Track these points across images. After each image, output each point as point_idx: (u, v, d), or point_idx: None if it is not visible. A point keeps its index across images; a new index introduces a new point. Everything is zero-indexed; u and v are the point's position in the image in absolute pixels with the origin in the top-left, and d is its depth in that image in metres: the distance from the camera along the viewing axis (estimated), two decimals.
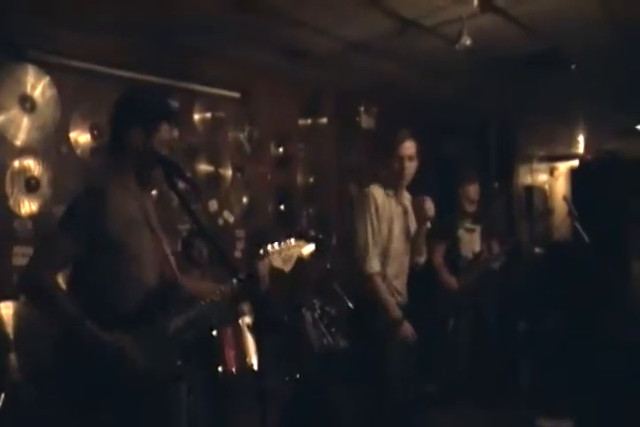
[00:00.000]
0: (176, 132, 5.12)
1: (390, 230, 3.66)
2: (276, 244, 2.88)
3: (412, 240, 3.81)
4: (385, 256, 3.65)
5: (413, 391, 4.20)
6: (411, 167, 3.71)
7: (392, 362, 3.63)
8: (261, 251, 2.87)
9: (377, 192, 3.69)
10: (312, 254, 3.06)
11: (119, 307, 2.45)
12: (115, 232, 2.46)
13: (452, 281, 5.20)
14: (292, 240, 2.94)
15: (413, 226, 3.82)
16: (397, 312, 3.56)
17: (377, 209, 3.63)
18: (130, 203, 2.57)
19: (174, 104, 2.79)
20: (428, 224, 3.70)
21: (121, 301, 2.47)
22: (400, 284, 3.73)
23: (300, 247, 2.97)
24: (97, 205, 2.44)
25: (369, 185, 3.77)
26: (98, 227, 2.43)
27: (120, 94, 2.71)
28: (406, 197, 3.86)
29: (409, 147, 3.69)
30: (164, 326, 2.54)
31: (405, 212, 3.80)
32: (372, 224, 3.62)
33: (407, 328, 3.57)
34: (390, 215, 3.68)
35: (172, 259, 2.75)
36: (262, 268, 2.83)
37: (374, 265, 3.58)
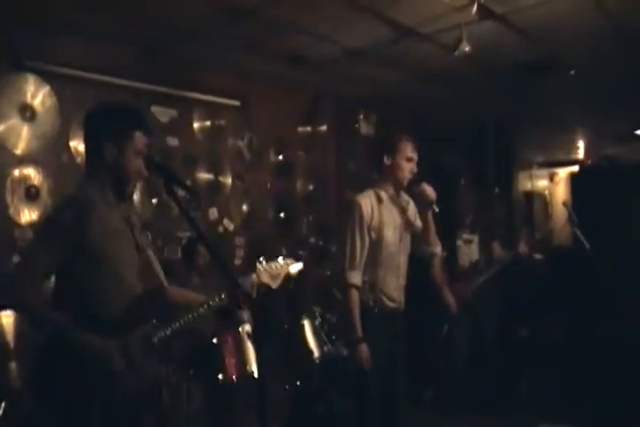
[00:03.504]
0: (175, 141, 5.14)
1: (380, 238, 3.60)
2: (264, 261, 2.91)
3: (420, 232, 3.74)
4: (374, 265, 3.61)
5: (411, 398, 4.17)
6: (409, 168, 3.66)
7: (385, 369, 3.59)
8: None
9: (364, 201, 3.63)
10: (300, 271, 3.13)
11: (102, 315, 2.46)
12: (96, 243, 2.46)
13: (451, 302, 5.13)
14: (281, 258, 3.01)
15: (418, 221, 3.76)
16: (358, 333, 3.49)
17: (362, 219, 3.57)
18: (110, 215, 2.57)
19: (142, 112, 2.76)
20: (435, 208, 3.62)
21: (103, 309, 2.48)
22: (394, 289, 3.67)
23: (289, 265, 3.04)
24: (77, 216, 2.44)
25: (360, 193, 3.73)
26: (78, 238, 2.43)
27: (87, 110, 2.70)
28: (404, 199, 3.79)
29: (408, 147, 3.66)
30: (146, 334, 2.55)
31: (404, 212, 3.76)
32: (354, 236, 3.58)
33: (363, 352, 3.46)
34: (380, 222, 3.61)
35: (158, 268, 2.75)
36: (250, 283, 2.86)
37: (353, 277, 3.55)
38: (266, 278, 2.92)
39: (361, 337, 3.50)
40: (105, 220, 2.52)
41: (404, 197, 3.80)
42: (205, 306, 2.70)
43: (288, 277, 3.04)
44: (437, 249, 3.81)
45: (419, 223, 3.76)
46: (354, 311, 3.53)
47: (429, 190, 3.59)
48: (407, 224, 3.75)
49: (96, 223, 2.47)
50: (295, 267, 3.09)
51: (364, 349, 3.48)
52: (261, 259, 2.97)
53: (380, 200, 3.67)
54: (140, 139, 2.60)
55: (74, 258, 2.44)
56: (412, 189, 3.67)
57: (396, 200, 3.74)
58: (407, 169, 3.65)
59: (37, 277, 2.42)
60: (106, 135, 2.56)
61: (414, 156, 3.67)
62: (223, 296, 2.71)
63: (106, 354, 2.39)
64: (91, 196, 2.54)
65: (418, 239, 3.78)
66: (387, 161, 3.66)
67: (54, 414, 2.43)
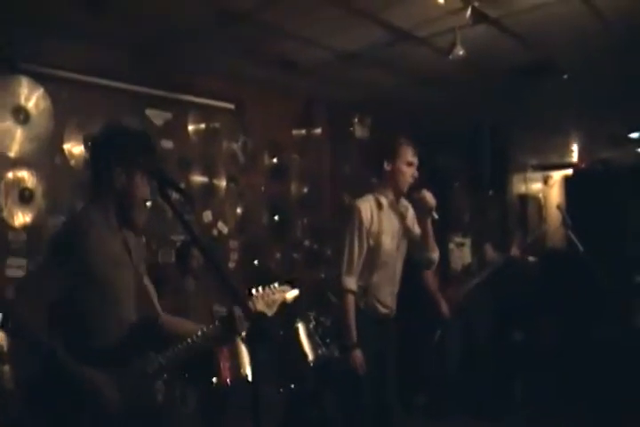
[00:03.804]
0: (170, 144, 5.14)
1: (378, 245, 3.59)
2: (260, 288, 2.92)
3: (418, 239, 3.74)
4: (369, 271, 3.60)
5: (404, 402, 4.16)
6: (410, 172, 3.63)
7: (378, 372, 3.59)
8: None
9: (364, 206, 3.61)
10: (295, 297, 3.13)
11: (98, 344, 2.43)
12: (96, 270, 2.44)
13: (444, 309, 5.13)
14: (277, 285, 2.98)
15: (416, 227, 3.75)
16: (353, 338, 3.49)
17: (361, 225, 3.56)
18: (112, 242, 2.55)
19: (151, 138, 2.75)
20: (434, 214, 3.60)
21: (100, 337, 2.45)
22: (387, 296, 3.67)
23: (285, 292, 2.99)
24: (79, 242, 2.42)
25: (359, 197, 3.70)
26: (79, 264, 2.40)
27: (96, 134, 2.69)
28: (404, 205, 3.77)
29: (408, 152, 3.64)
30: (142, 364, 2.52)
31: (403, 218, 3.74)
32: (352, 241, 3.56)
33: (358, 357, 3.47)
34: (379, 228, 3.59)
35: (153, 296, 2.74)
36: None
37: (349, 283, 3.54)
38: (261, 306, 2.88)
39: (356, 342, 3.49)
40: (106, 245, 2.50)
41: (404, 202, 3.78)
42: (198, 335, 2.69)
43: (284, 304, 3.04)
44: (435, 255, 3.78)
45: (417, 229, 3.74)
46: (349, 316, 3.52)
47: (429, 197, 3.57)
48: (405, 231, 3.73)
49: (97, 248, 2.45)
50: (291, 294, 3.06)
51: (358, 354, 3.48)
52: (258, 287, 2.95)
53: (380, 206, 3.65)
54: (148, 162, 2.59)
55: (72, 284, 2.41)
56: (412, 195, 3.65)
57: (395, 206, 3.72)
58: (408, 174, 3.63)
59: (38, 306, 2.38)
60: (115, 161, 2.53)
61: (415, 160, 3.65)
62: (217, 324, 2.71)
63: (102, 389, 2.36)
64: (93, 220, 2.52)
65: (416, 245, 3.77)
66: (387, 166, 3.64)
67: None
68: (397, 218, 3.72)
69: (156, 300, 2.74)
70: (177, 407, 3.92)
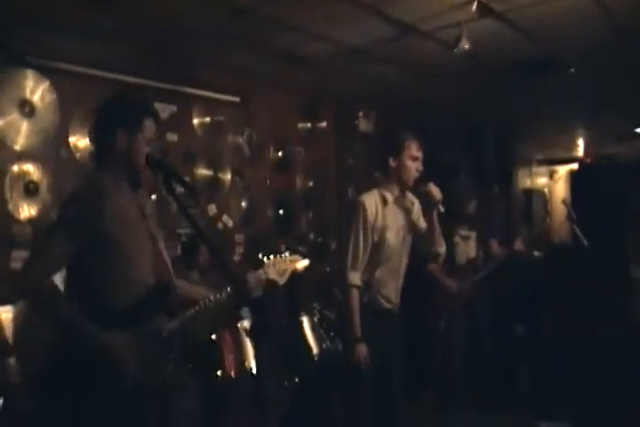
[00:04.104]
0: (175, 137, 5.14)
1: (382, 240, 3.58)
2: (272, 256, 2.92)
3: (424, 233, 3.73)
4: (373, 266, 3.61)
5: (409, 395, 4.17)
6: (415, 167, 3.62)
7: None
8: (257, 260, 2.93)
9: (368, 201, 3.61)
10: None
11: (114, 306, 2.45)
12: (110, 232, 2.46)
13: (450, 283, 5.19)
14: (288, 254, 2.99)
15: (422, 221, 3.75)
16: (357, 333, 3.49)
17: (366, 220, 3.56)
18: (124, 204, 2.57)
19: (151, 103, 2.81)
20: (441, 208, 3.61)
21: (116, 300, 2.47)
22: (391, 291, 3.67)
23: (295, 262, 3.03)
24: (90, 205, 2.45)
25: (365, 192, 3.70)
26: (92, 227, 2.43)
27: (100, 103, 2.73)
28: (410, 200, 3.76)
29: (413, 146, 3.62)
30: (158, 327, 2.55)
31: (408, 214, 3.74)
32: (357, 237, 3.57)
33: (362, 351, 3.46)
34: (383, 224, 3.59)
35: (167, 260, 2.75)
36: (257, 278, 2.86)
37: (354, 278, 3.55)
38: (273, 274, 2.91)
39: (360, 337, 3.50)
40: (119, 208, 2.52)
41: (410, 197, 3.77)
42: (211, 299, 2.70)
43: (294, 273, 3.04)
44: (442, 249, 3.77)
45: (423, 223, 3.74)
46: (354, 311, 3.52)
47: (435, 190, 3.56)
48: (411, 226, 3.73)
49: (109, 212, 2.47)
50: (302, 264, 3.09)
51: (362, 348, 3.47)
52: (269, 254, 2.96)
53: (385, 202, 3.64)
54: (150, 128, 2.64)
55: (87, 248, 2.43)
56: (419, 188, 3.65)
57: (401, 202, 3.71)
58: (413, 168, 3.62)
59: (50, 268, 2.42)
60: (117, 122, 2.59)
61: (419, 154, 3.64)
62: (229, 290, 2.72)
63: (122, 353, 2.39)
64: (103, 185, 2.55)
65: (422, 240, 3.76)
66: (392, 162, 3.63)
67: (55, 409, 2.44)
68: (403, 213, 3.72)
69: (170, 264, 2.74)
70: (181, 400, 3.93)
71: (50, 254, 2.42)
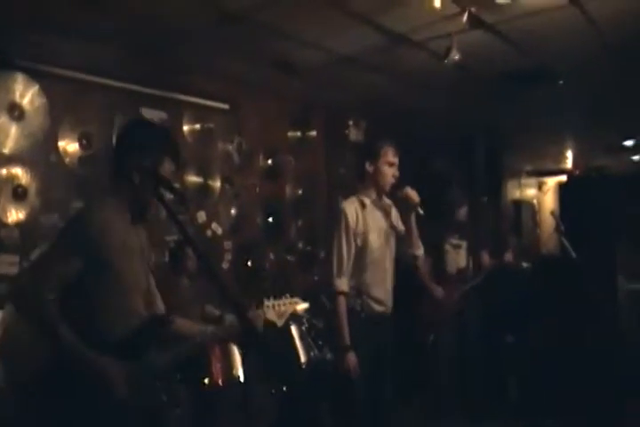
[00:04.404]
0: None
1: (366, 243, 3.63)
2: (272, 298, 3.01)
3: (403, 236, 3.78)
4: (360, 270, 3.63)
5: (398, 403, 4.17)
6: (391, 172, 3.70)
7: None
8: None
9: (349, 207, 3.66)
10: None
11: (108, 336, 2.44)
12: (109, 259, 2.45)
13: (437, 290, 5.19)
14: (288, 296, 3.08)
15: (400, 224, 3.81)
16: (346, 341, 3.48)
17: (347, 226, 3.60)
18: (126, 235, 2.56)
19: (173, 137, 2.78)
20: (419, 210, 3.66)
21: (110, 329, 2.45)
22: (381, 292, 3.68)
23: (295, 304, 3.10)
24: (94, 228, 2.43)
25: (346, 200, 3.76)
26: (93, 250, 2.41)
27: (123, 126, 2.72)
28: (386, 203, 3.83)
29: (389, 152, 3.70)
30: (152, 361, 2.53)
31: (387, 215, 3.80)
32: (340, 243, 3.60)
33: (351, 360, 3.45)
34: (365, 228, 3.64)
35: (157, 294, 2.75)
36: (256, 318, 2.91)
37: (341, 285, 3.56)
38: (272, 316, 2.98)
39: (349, 345, 3.49)
40: (121, 237, 2.51)
41: (386, 201, 3.84)
42: (209, 333, 2.71)
43: (293, 315, 3.11)
44: (419, 252, 3.85)
45: (401, 227, 3.81)
46: (341, 319, 3.53)
47: (413, 194, 3.65)
48: (391, 227, 3.79)
49: (112, 239, 2.46)
50: (302, 306, 3.17)
51: (351, 357, 3.47)
52: (270, 298, 3.03)
53: (363, 206, 3.71)
54: (168, 166, 2.61)
55: (85, 270, 2.42)
56: (396, 194, 3.72)
57: (378, 204, 3.78)
58: (389, 174, 3.70)
59: (51, 283, 2.39)
60: (140, 155, 2.55)
61: (395, 160, 3.73)
62: (229, 325, 2.75)
63: (115, 379, 2.37)
64: (110, 211, 2.54)
65: (400, 242, 3.82)
66: (369, 167, 3.71)
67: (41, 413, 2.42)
68: (382, 215, 3.79)
69: (159, 297, 2.74)
70: (173, 407, 3.92)
71: (49, 269, 2.40)
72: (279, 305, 3.01)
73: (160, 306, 2.72)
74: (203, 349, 2.74)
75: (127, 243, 2.54)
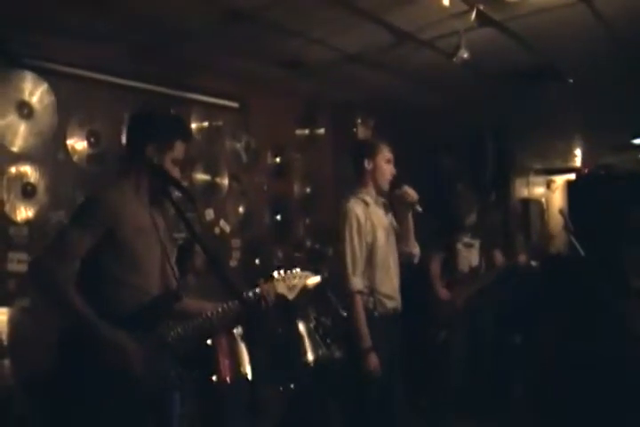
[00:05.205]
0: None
1: (374, 240, 3.61)
2: (282, 271, 2.92)
3: (400, 233, 3.77)
4: (371, 268, 3.61)
5: (405, 405, 4.16)
6: (388, 169, 3.71)
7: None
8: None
9: (357, 207, 3.64)
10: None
11: (120, 311, 2.47)
12: (123, 236, 2.49)
13: (443, 293, 5.17)
14: (299, 269, 2.97)
15: (394, 222, 3.82)
16: (367, 342, 3.43)
17: (359, 224, 3.59)
18: (140, 212, 2.60)
19: (185, 122, 2.83)
20: (418, 208, 3.66)
21: (123, 305, 2.48)
22: (390, 288, 3.66)
23: (306, 278, 3.00)
24: (110, 206, 2.49)
25: (347, 200, 3.73)
26: (108, 226, 2.46)
27: (138, 109, 2.75)
28: (384, 201, 3.83)
29: (385, 149, 3.72)
30: (162, 333, 2.56)
31: (387, 212, 3.80)
32: (352, 242, 3.57)
33: (373, 360, 3.40)
34: (372, 226, 3.62)
35: (175, 271, 2.76)
36: (267, 292, 2.84)
37: (355, 283, 3.53)
38: (282, 289, 2.88)
39: (371, 346, 3.43)
40: (135, 217, 2.55)
41: (381, 198, 3.84)
42: (219, 310, 2.70)
43: (304, 289, 3.01)
44: (415, 250, 3.84)
45: (396, 224, 3.82)
46: (360, 319, 3.47)
47: (411, 191, 3.65)
48: (391, 225, 3.80)
49: (126, 218, 2.50)
50: (313, 280, 3.05)
51: (373, 358, 3.41)
52: (280, 270, 2.94)
53: (366, 204, 3.71)
54: (180, 149, 2.66)
55: (103, 248, 2.46)
56: (394, 192, 3.73)
57: (379, 202, 3.79)
58: (388, 171, 3.72)
59: (68, 260, 2.43)
60: (153, 136, 2.61)
61: (391, 157, 3.74)
62: (237, 302, 2.71)
63: (129, 353, 2.40)
64: (125, 191, 2.58)
65: (397, 239, 3.81)
66: (367, 165, 3.71)
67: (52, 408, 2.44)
68: (384, 212, 3.79)
69: (174, 275, 2.74)
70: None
71: (65, 246, 2.44)
72: (289, 278, 2.91)
73: (174, 283, 2.73)
74: (213, 326, 2.69)
75: (141, 224, 2.58)
